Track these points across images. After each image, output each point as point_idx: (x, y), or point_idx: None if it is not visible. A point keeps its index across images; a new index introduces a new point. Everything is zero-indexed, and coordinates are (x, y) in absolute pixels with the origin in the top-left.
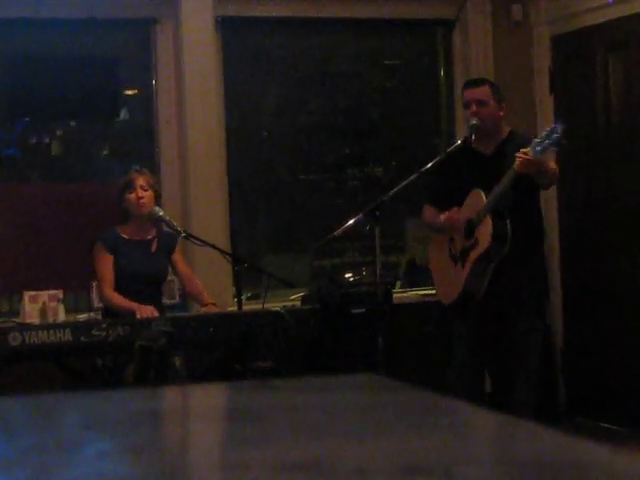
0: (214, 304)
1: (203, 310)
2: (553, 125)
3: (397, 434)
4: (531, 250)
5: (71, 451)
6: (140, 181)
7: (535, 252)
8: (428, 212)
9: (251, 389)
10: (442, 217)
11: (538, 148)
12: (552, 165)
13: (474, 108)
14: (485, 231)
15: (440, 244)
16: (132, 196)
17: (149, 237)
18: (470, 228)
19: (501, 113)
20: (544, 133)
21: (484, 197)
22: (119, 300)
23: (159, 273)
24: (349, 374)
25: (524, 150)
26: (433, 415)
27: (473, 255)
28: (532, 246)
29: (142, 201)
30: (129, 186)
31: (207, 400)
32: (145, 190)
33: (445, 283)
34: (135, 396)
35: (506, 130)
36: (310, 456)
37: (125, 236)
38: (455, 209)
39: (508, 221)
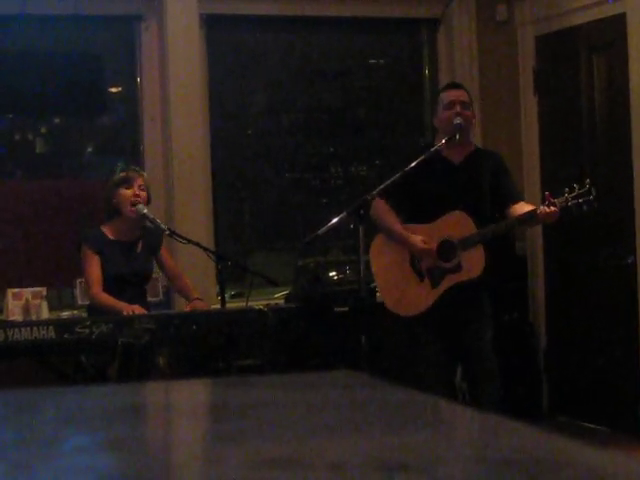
0: (200, 299)
1: (190, 306)
2: (587, 186)
3: (376, 431)
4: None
5: (50, 446)
6: (139, 181)
7: (497, 258)
8: (385, 211)
9: (230, 385)
10: (417, 243)
11: (569, 204)
12: None
13: (458, 108)
14: (476, 260)
15: (394, 251)
16: (129, 192)
17: (134, 237)
18: (447, 249)
19: (474, 120)
20: (577, 191)
21: (472, 223)
22: (107, 300)
23: (144, 274)
24: (328, 371)
25: (552, 201)
26: (413, 412)
27: (454, 279)
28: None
29: (138, 199)
30: (127, 182)
31: (186, 396)
32: (142, 190)
33: (403, 295)
34: (115, 391)
35: (473, 144)
36: (289, 452)
37: (110, 237)
38: (429, 246)
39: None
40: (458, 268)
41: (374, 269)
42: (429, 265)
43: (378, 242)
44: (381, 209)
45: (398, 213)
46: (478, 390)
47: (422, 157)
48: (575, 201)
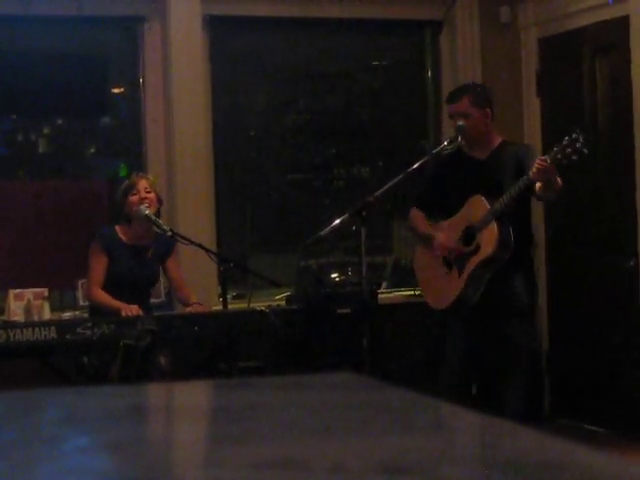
0: (199, 304)
1: (188, 309)
2: (574, 134)
3: (376, 433)
4: (523, 254)
5: (51, 446)
6: (143, 184)
7: (526, 256)
8: (416, 218)
9: (232, 387)
10: (436, 239)
11: (559, 156)
12: (559, 179)
13: (459, 123)
14: (490, 237)
15: (430, 251)
16: (135, 198)
17: (146, 243)
18: (470, 234)
19: (487, 119)
20: (565, 142)
21: (486, 203)
22: (105, 299)
23: (151, 279)
24: (329, 372)
25: (542, 158)
26: (413, 414)
27: (474, 261)
28: (524, 250)
29: (146, 201)
30: (131, 189)
31: (187, 397)
32: (148, 192)
33: (437, 288)
34: (116, 392)
35: (498, 138)
36: (289, 454)
37: (123, 239)
38: (445, 239)
39: (511, 228)
40: (477, 250)
41: (418, 275)
42: (456, 254)
43: (419, 250)
44: (414, 217)
45: (433, 216)
46: (502, 386)
47: (425, 159)
48: (565, 151)
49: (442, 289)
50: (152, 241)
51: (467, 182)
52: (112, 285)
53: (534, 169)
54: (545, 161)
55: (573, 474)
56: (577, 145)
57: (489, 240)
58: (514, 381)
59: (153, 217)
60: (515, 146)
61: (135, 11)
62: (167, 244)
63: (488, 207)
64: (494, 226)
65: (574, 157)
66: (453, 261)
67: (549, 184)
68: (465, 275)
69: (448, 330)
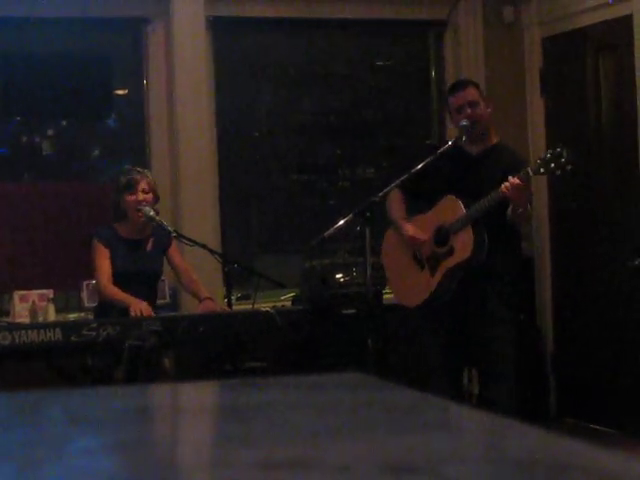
0: (211, 299)
1: (201, 306)
2: (558, 149)
3: (383, 433)
4: (502, 253)
5: (58, 447)
6: (143, 184)
7: (507, 254)
8: (395, 202)
9: (237, 387)
10: (407, 230)
11: (541, 170)
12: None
13: (469, 111)
14: (465, 241)
15: (400, 243)
16: (132, 198)
17: (145, 235)
18: (442, 235)
19: (489, 110)
20: (548, 155)
21: (460, 204)
22: (116, 293)
23: (154, 272)
24: (335, 373)
25: (516, 175)
26: (419, 414)
27: (448, 263)
28: (503, 249)
29: (143, 203)
30: (130, 187)
31: (194, 398)
32: (146, 193)
33: (407, 286)
34: (122, 393)
35: (496, 137)
36: (296, 454)
37: (121, 234)
38: (419, 232)
39: (485, 232)
40: (451, 252)
41: (385, 263)
42: (428, 253)
43: (389, 236)
44: (392, 199)
45: (416, 204)
46: (488, 392)
47: (429, 159)
48: (548, 166)
49: (413, 287)
50: (150, 233)
51: (454, 174)
52: (117, 281)
53: (507, 184)
54: (519, 179)
55: (580, 474)
56: (561, 160)
57: (465, 244)
58: (498, 385)
59: (157, 218)
60: (511, 152)
61: (139, 13)
62: (166, 234)
63: (463, 209)
64: (469, 231)
65: (557, 172)
66: (425, 260)
67: (521, 202)
68: (438, 276)
69: (421, 329)
